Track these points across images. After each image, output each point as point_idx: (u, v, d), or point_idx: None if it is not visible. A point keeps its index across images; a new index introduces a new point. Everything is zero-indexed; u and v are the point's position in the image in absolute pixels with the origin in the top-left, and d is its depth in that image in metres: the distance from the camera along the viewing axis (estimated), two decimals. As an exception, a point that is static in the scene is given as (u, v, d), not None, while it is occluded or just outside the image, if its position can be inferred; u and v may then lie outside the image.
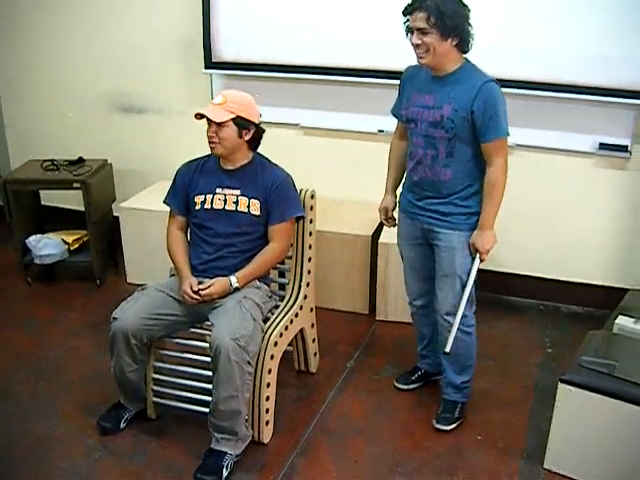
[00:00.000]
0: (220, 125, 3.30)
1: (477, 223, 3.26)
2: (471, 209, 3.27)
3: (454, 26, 3.01)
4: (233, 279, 3.34)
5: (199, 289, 3.29)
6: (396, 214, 3.62)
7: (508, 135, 3.15)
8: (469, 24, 3.07)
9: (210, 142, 3.35)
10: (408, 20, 3.08)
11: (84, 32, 5.26)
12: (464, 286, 3.33)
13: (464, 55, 3.16)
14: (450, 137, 3.15)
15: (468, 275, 3.33)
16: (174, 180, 3.58)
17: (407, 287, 3.70)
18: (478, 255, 3.29)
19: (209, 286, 3.30)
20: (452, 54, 3.10)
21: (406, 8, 3.07)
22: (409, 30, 3.09)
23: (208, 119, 3.31)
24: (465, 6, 3.06)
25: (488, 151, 3.15)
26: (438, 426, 3.56)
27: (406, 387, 3.83)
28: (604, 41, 4.04)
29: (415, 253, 3.54)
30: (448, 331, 3.37)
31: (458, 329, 3.36)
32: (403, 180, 3.54)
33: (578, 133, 4.27)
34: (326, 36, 4.58)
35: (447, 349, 3.39)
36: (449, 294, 3.38)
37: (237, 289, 3.35)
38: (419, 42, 3.04)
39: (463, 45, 3.10)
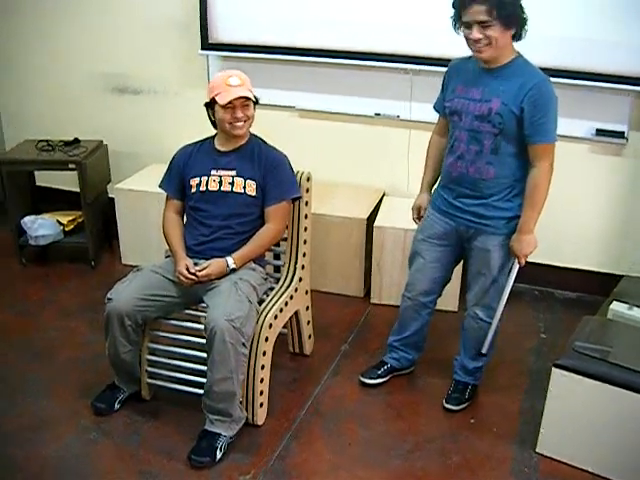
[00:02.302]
0: (246, 105, 3.33)
1: (517, 227, 3.20)
2: (511, 212, 3.20)
3: (515, 14, 2.91)
4: (230, 260, 3.34)
5: (196, 270, 3.29)
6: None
7: (555, 140, 3.07)
8: (523, 10, 2.97)
9: (237, 122, 3.33)
10: (460, 14, 2.97)
11: (79, 12, 5.23)
12: (500, 286, 3.33)
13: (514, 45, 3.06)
14: (496, 132, 3.06)
15: (507, 278, 3.31)
16: (170, 164, 3.58)
17: (411, 283, 3.60)
18: (516, 260, 3.25)
19: (206, 267, 3.30)
20: (509, 45, 3.02)
21: (462, 2, 2.94)
22: (466, 25, 2.96)
23: (231, 102, 3.28)
24: None
25: (533, 153, 3.07)
26: (448, 406, 3.58)
27: (372, 382, 3.76)
28: (601, 26, 4.03)
29: (436, 254, 3.45)
30: (477, 322, 3.45)
31: (482, 320, 3.43)
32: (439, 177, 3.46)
33: (574, 119, 4.24)
34: (323, 18, 4.56)
35: (484, 350, 3.49)
36: (480, 290, 3.39)
37: (234, 270, 3.34)
38: (480, 36, 2.92)
39: (521, 34, 3.00)
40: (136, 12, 5.09)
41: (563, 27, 4.09)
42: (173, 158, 3.58)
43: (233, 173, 3.41)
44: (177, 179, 3.53)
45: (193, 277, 3.30)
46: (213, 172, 3.43)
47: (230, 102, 3.28)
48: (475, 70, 3.14)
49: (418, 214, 3.57)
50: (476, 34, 2.93)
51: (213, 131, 3.51)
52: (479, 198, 3.21)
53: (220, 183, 3.40)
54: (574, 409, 3.12)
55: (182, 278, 3.31)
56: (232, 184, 3.39)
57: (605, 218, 4.52)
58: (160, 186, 3.60)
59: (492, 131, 3.07)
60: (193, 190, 3.45)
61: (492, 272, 3.31)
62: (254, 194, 3.40)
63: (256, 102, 3.40)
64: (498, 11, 2.86)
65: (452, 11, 3.03)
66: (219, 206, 3.41)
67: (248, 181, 3.39)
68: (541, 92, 2.99)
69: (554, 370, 3.11)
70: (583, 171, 4.43)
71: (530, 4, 2.98)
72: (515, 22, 2.94)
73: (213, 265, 3.31)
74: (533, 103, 2.98)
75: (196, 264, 3.34)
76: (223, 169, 3.42)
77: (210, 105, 3.38)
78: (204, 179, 3.43)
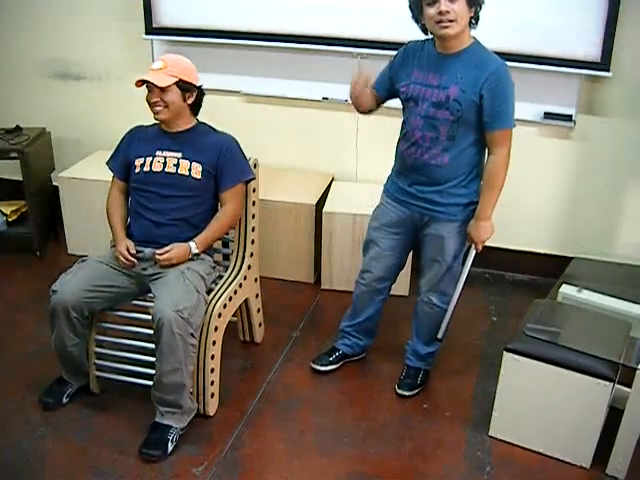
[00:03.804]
0: (164, 90, 3.25)
1: (473, 213, 3.20)
2: (467, 198, 3.19)
3: None
4: (192, 245, 3.30)
5: (156, 253, 3.25)
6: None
7: (514, 126, 3.06)
8: None
9: (155, 107, 3.30)
10: None
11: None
12: (455, 272, 3.35)
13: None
14: (454, 120, 3.04)
15: (463, 264, 3.33)
16: (119, 143, 3.54)
17: (366, 270, 3.57)
18: (473, 245, 3.26)
19: (168, 250, 3.25)
20: (467, 29, 3.00)
21: None
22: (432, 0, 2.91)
23: (149, 85, 3.26)
24: None
25: (492, 140, 3.07)
26: (400, 391, 3.57)
27: (324, 368, 3.74)
28: (549, 10, 4.03)
29: (390, 242, 3.43)
30: (430, 308, 3.46)
31: (437, 306, 3.44)
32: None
33: (523, 102, 4.17)
34: (269, 2, 4.50)
35: (439, 335, 3.48)
36: (434, 277, 3.39)
37: (197, 255, 3.32)
38: (448, 9, 2.87)
39: (476, 19, 3.01)
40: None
41: (512, 11, 4.08)
42: (123, 138, 3.54)
43: (179, 155, 3.36)
44: (123, 159, 3.49)
45: (133, 260, 3.27)
46: (158, 153, 3.38)
47: (144, 84, 3.28)
48: (432, 55, 3.10)
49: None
50: (444, 6, 2.87)
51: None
52: (434, 185, 3.19)
53: (164, 164, 3.35)
54: (525, 392, 3.14)
55: (122, 259, 3.27)
56: (177, 166, 3.35)
57: (554, 200, 4.55)
58: (107, 164, 3.55)
59: (449, 118, 3.05)
60: (137, 170, 3.40)
61: (447, 259, 3.31)
62: (199, 177, 3.35)
63: (188, 88, 3.32)
64: None
65: None
66: (163, 187, 3.35)
67: (194, 164, 3.35)
68: (500, 79, 2.99)
69: (505, 354, 3.13)
70: (532, 154, 4.44)
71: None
72: (477, 2, 2.95)
73: (175, 249, 3.27)
74: (493, 90, 2.97)
75: (140, 252, 3.30)
76: (168, 150, 3.38)
77: None
78: (148, 160, 3.38)
